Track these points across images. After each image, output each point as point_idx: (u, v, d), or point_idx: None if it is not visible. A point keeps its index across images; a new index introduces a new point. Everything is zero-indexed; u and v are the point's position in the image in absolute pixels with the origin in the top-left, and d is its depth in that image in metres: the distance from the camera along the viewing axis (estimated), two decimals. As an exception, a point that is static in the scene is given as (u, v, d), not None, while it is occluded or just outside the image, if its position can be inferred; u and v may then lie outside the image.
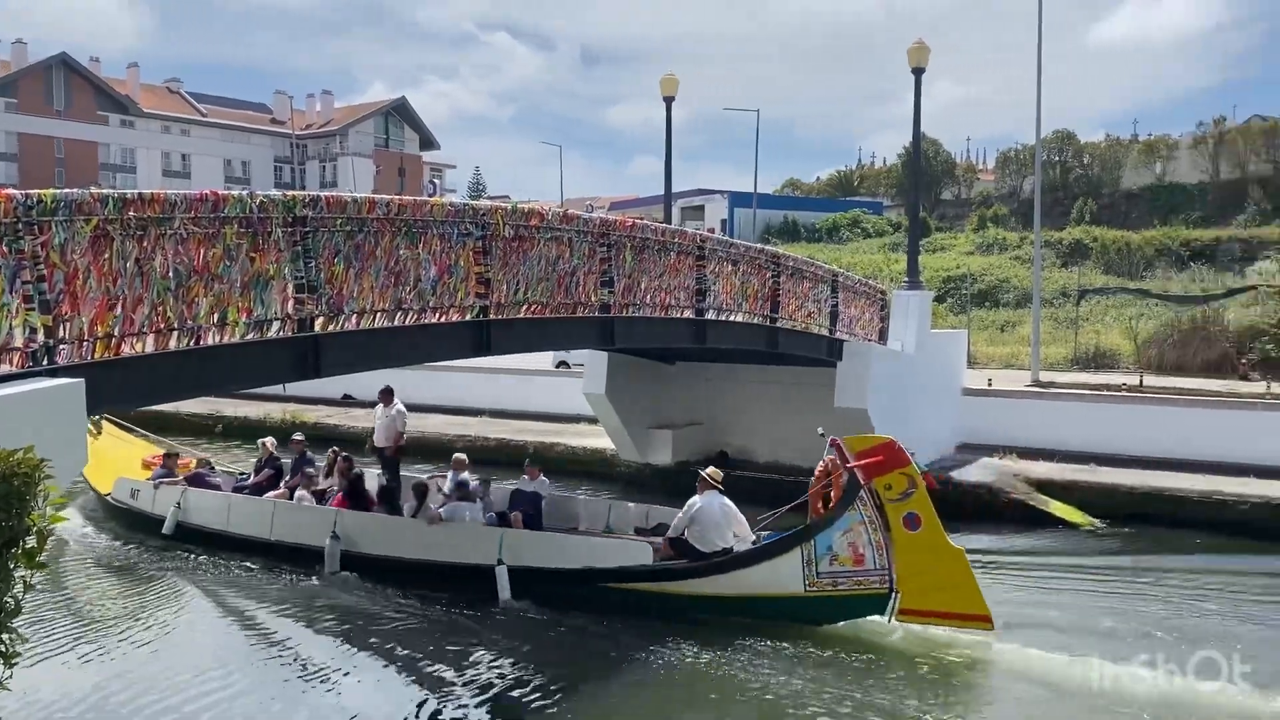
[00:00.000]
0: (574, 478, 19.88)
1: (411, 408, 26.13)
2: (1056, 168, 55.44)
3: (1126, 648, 10.73)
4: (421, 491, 13.99)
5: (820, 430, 12.28)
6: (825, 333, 16.64)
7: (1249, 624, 12.05)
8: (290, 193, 8.51)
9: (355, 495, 14.51)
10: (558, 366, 28.62)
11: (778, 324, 15.38)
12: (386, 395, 15.04)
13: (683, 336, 13.97)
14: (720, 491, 11.96)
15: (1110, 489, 16.81)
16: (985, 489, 16.92)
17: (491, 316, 10.28)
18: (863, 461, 10.97)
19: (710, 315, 13.95)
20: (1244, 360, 26.08)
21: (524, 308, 10.72)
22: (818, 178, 76.78)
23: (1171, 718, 9.19)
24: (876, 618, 11.22)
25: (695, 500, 11.88)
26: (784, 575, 11.24)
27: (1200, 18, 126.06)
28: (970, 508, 16.57)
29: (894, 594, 11.01)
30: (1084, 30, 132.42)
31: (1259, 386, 23.30)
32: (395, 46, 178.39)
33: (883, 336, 18.50)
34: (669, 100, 22.48)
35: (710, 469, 12.28)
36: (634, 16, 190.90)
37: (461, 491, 13.82)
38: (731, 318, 14.45)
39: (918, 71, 18.72)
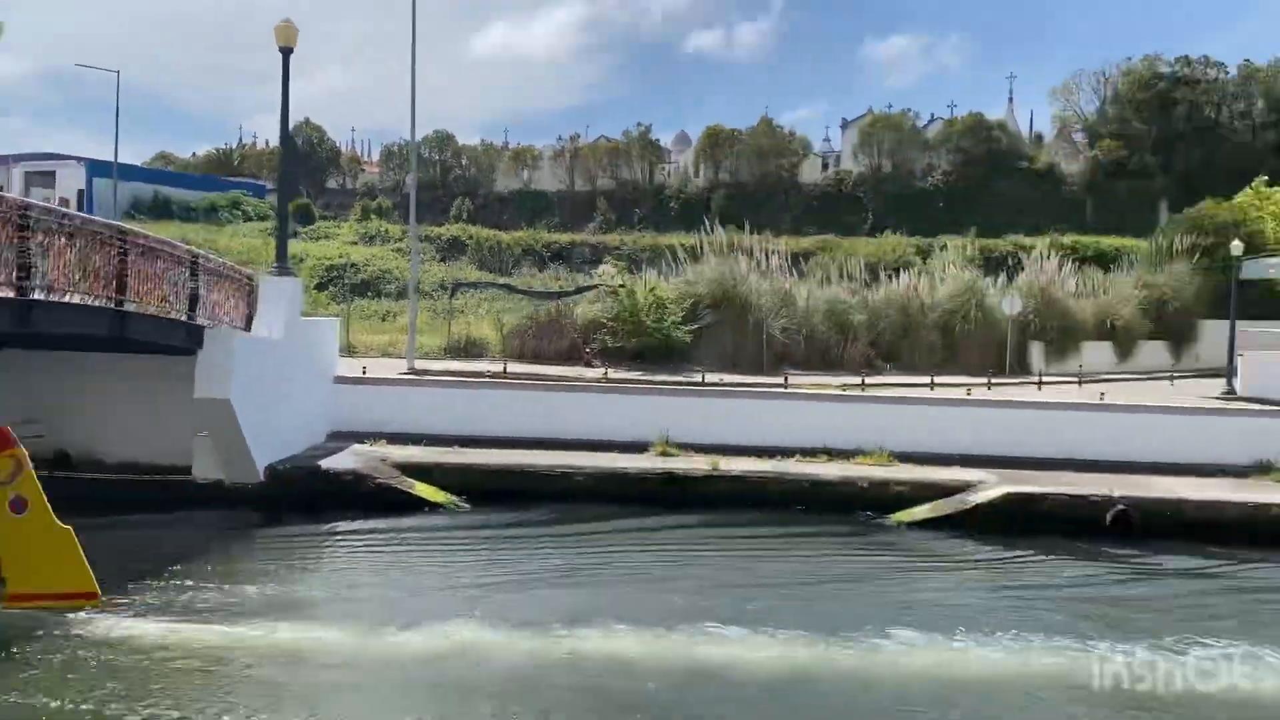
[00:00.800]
0: None
1: None
2: (437, 166, 58.19)
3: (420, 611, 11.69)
4: None
5: None
6: (184, 318, 15.40)
7: (538, 575, 13.80)
8: None
9: None
10: None
11: (125, 307, 13.83)
12: None
13: (-2, 319, 11.89)
14: None
15: (470, 468, 17.99)
16: (352, 475, 17.08)
17: None
18: None
19: (37, 295, 12.07)
20: (588, 349, 29.71)
21: None
22: (195, 154, 71.59)
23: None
24: None
25: None
26: None
27: (561, 43, 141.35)
28: (337, 494, 16.69)
29: (1, 583, 11.01)
30: (465, 39, 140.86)
31: (599, 372, 26.73)
32: None
33: (249, 323, 17.67)
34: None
35: None
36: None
37: None
38: (66, 299, 12.66)
39: (286, 51, 18.18)
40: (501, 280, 37.92)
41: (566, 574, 13.79)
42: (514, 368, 27.10)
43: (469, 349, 30.39)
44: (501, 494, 17.66)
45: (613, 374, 26.39)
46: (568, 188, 57.95)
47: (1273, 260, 31.04)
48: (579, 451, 19.13)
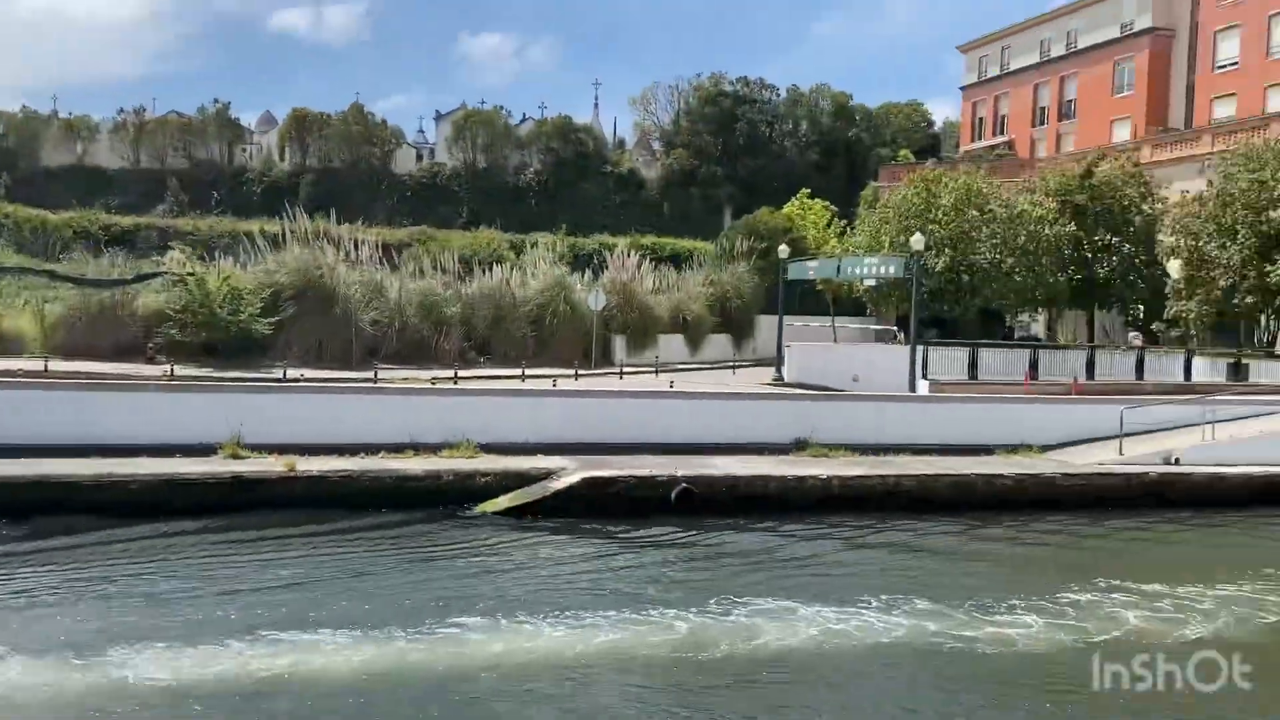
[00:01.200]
0: None
1: None
2: (-37, 134, 50.04)
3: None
4: None
5: None
6: None
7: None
8: None
9: None
10: None
11: None
12: None
13: None
14: None
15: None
16: None
17: None
18: None
19: None
20: (151, 344, 26.98)
21: None
22: None
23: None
24: None
25: None
26: None
27: (123, 7, 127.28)
28: None
29: None
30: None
31: (163, 369, 24.34)
32: None
33: None
34: None
35: None
36: None
37: None
38: None
39: None
40: (45, 266, 33.28)
41: (98, 594, 12.15)
42: (58, 365, 24.01)
43: (2, 345, 26.43)
44: (36, 508, 15.37)
45: (179, 370, 24.19)
46: (132, 165, 52.36)
47: (812, 263, 35.33)
48: (135, 457, 17.17)
